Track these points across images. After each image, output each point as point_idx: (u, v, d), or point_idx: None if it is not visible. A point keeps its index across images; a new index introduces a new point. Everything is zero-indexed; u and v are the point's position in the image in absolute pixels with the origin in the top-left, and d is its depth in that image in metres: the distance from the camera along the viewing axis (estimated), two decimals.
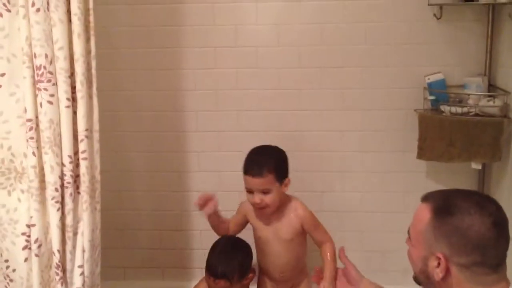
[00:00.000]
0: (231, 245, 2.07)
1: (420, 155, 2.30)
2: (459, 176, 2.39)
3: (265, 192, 1.98)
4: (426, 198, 1.34)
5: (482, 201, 1.28)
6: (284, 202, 2.08)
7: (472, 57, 2.33)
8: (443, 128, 2.21)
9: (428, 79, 2.32)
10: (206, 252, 2.07)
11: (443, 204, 1.29)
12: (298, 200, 2.12)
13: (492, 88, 2.28)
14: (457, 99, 2.26)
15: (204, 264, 2.03)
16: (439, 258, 1.24)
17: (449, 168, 2.36)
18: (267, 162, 1.99)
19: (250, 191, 2.01)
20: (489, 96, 2.20)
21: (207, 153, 2.51)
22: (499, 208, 1.27)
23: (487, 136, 2.14)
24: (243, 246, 2.08)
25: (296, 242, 2.11)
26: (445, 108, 2.24)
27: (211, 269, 1.99)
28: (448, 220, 1.25)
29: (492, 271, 1.23)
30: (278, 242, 2.10)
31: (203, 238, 2.51)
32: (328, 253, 2.04)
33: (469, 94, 2.23)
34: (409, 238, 1.36)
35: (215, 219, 2.13)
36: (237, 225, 2.18)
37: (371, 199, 2.48)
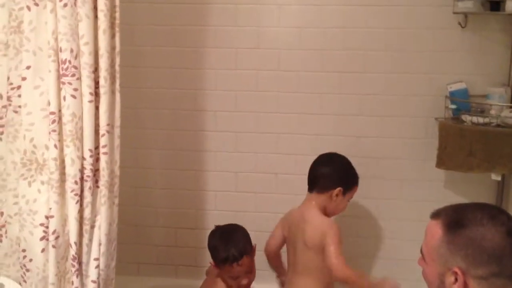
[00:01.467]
0: (224, 230, 2.04)
1: (440, 164, 2.28)
2: (477, 186, 2.37)
3: None
4: (435, 215, 1.33)
5: (493, 212, 1.27)
6: None
7: (495, 67, 2.31)
8: (464, 138, 2.18)
9: (450, 87, 2.30)
10: None
11: (454, 218, 1.28)
12: None
13: None
14: (479, 109, 2.24)
15: None
16: (456, 273, 1.22)
17: (468, 178, 2.33)
18: None
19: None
20: None
21: (225, 153, 2.52)
22: (510, 218, 1.25)
23: (508, 148, 2.11)
24: (232, 225, 2.07)
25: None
26: (466, 117, 2.22)
27: (230, 256, 1.94)
28: (461, 233, 1.24)
29: (511, 283, 1.20)
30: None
31: None
32: None
33: (491, 105, 2.21)
34: (422, 257, 1.34)
35: None
36: None
37: (388, 206, 2.47)
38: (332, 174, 2.08)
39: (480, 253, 1.21)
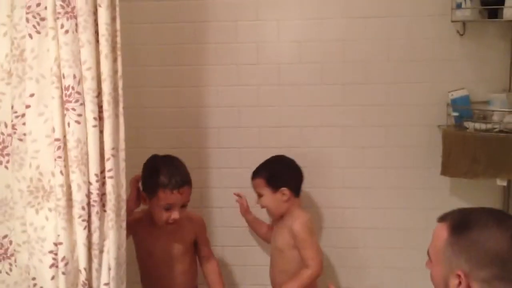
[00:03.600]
0: (165, 156, 2.07)
1: (444, 172, 2.28)
2: (483, 192, 2.36)
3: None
4: (442, 218, 1.35)
5: (500, 215, 1.29)
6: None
7: (496, 73, 2.31)
8: (467, 145, 2.18)
9: (452, 95, 2.31)
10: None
11: (460, 221, 1.29)
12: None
13: None
14: (481, 116, 2.24)
15: None
16: (459, 276, 1.23)
17: (473, 185, 2.33)
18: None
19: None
20: None
21: (229, 169, 2.51)
22: None
23: None
24: (178, 159, 2.09)
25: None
26: (469, 124, 2.22)
27: (173, 181, 1.93)
28: (465, 235, 1.25)
29: None
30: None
31: (226, 253, 2.52)
32: None
33: (493, 111, 2.21)
34: (429, 259, 1.35)
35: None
36: None
37: (393, 215, 2.46)
38: (281, 175, 2.25)
39: (483, 255, 1.21)
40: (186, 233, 2.14)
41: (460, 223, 1.28)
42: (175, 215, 1.97)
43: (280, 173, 2.22)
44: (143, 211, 2.11)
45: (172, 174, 1.96)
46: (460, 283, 1.23)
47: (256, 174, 2.24)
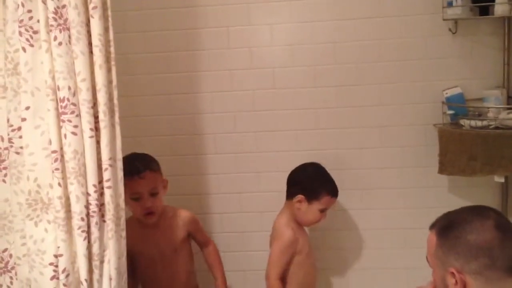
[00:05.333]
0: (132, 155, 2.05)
1: (442, 170, 2.28)
2: (482, 189, 2.38)
3: None
4: (432, 226, 1.41)
5: (479, 209, 1.35)
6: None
7: (489, 70, 2.33)
8: (464, 142, 2.19)
9: (446, 93, 2.32)
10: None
11: (444, 223, 1.36)
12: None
13: (511, 100, 2.27)
14: (477, 113, 2.25)
15: None
16: (453, 274, 1.27)
17: (471, 182, 2.34)
18: None
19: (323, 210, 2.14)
20: (509, 108, 2.19)
21: (226, 175, 2.52)
22: (499, 214, 1.33)
23: (509, 149, 2.12)
24: (143, 153, 2.11)
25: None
26: (464, 122, 2.23)
27: (132, 170, 1.94)
28: (450, 234, 1.31)
29: (508, 275, 1.25)
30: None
31: (226, 259, 2.51)
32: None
33: (488, 107, 2.22)
34: (431, 267, 1.41)
35: None
36: None
37: (393, 215, 2.47)
38: (297, 181, 2.17)
39: (468, 248, 1.26)
40: (175, 231, 2.13)
41: (444, 225, 1.35)
42: (146, 203, 1.99)
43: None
44: (130, 217, 2.11)
45: (132, 162, 1.98)
46: (456, 282, 1.27)
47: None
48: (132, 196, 2.00)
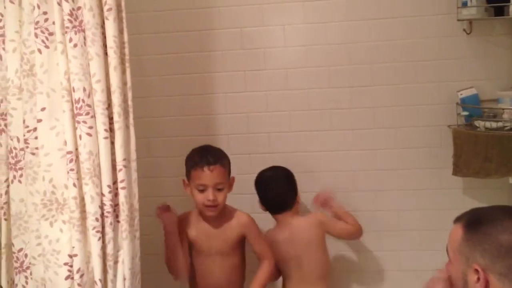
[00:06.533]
0: (201, 145, 2.11)
1: (456, 172, 2.27)
2: (496, 191, 2.35)
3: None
4: (458, 219, 1.37)
5: (511, 209, 1.30)
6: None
7: (504, 71, 2.30)
8: (478, 144, 2.17)
9: (461, 94, 2.30)
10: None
11: (473, 218, 1.32)
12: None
13: None
14: (491, 114, 2.23)
15: None
16: (477, 271, 1.23)
17: (486, 184, 2.31)
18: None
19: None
20: None
21: (239, 175, 2.51)
22: None
23: None
24: (217, 147, 2.14)
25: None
26: (479, 123, 2.21)
27: (204, 159, 1.98)
28: (478, 229, 1.27)
29: None
30: None
31: None
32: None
33: (503, 109, 2.19)
34: (449, 260, 1.37)
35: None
36: None
37: (407, 217, 2.45)
38: None
39: (497, 247, 1.22)
40: (230, 230, 2.14)
41: (473, 220, 1.31)
42: (208, 195, 1.99)
43: None
44: (191, 210, 2.17)
45: (203, 154, 2.02)
46: (478, 278, 1.23)
47: None
48: (198, 187, 2.02)
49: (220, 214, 2.10)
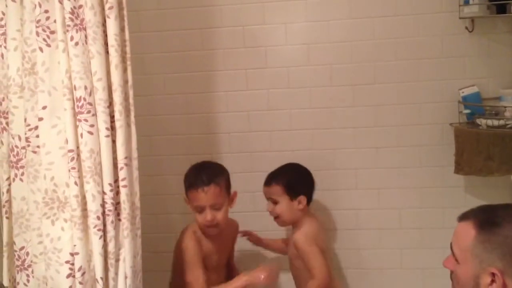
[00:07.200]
0: (198, 162, 2.07)
1: (458, 170, 2.26)
2: (498, 189, 2.34)
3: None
4: (464, 216, 1.33)
5: None
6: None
7: (506, 69, 2.30)
8: (480, 142, 2.17)
9: (463, 92, 2.29)
10: None
11: (486, 217, 1.28)
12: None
13: None
14: (493, 112, 2.23)
15: None
16: (493, 274, 1.20)
17: (488, 182, 2.31)
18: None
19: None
20: None
21: (241, 174, 2.51)
22: None
23: None
24: (215, 163, 2.11)
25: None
26: (481, 121, 2.21)
27: (198, 180, 1.94)
28: (496, 231, 1.23)
29: None
30: None
31: (241, 259, 2.51)
32: None
33: (505, 107, 2.19)
34: (454, 259, 1.33)
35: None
36: None
37: (409, 215, 2.45)
38: None
39: None
40: (230, 241, 2.20)
41: (487, 220, 1.27)
42: (206, 216, 1.97)
43: (298, 181, 2.18)
44: (192, 230, 2.11)
45: (197, 173, 1.99)
46: (492, 281, 1.21)
47: (272, 180, 2.18)
48: (196, 208, 2.00)
49: (223, 229, 2.08)
